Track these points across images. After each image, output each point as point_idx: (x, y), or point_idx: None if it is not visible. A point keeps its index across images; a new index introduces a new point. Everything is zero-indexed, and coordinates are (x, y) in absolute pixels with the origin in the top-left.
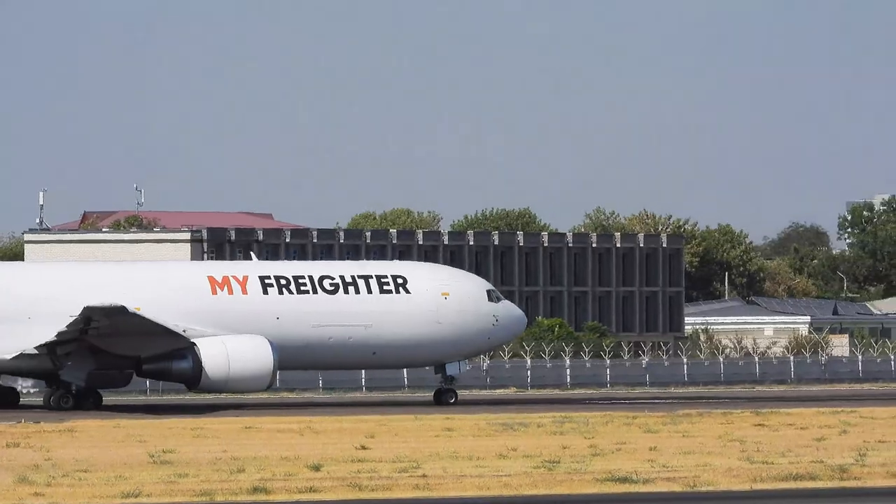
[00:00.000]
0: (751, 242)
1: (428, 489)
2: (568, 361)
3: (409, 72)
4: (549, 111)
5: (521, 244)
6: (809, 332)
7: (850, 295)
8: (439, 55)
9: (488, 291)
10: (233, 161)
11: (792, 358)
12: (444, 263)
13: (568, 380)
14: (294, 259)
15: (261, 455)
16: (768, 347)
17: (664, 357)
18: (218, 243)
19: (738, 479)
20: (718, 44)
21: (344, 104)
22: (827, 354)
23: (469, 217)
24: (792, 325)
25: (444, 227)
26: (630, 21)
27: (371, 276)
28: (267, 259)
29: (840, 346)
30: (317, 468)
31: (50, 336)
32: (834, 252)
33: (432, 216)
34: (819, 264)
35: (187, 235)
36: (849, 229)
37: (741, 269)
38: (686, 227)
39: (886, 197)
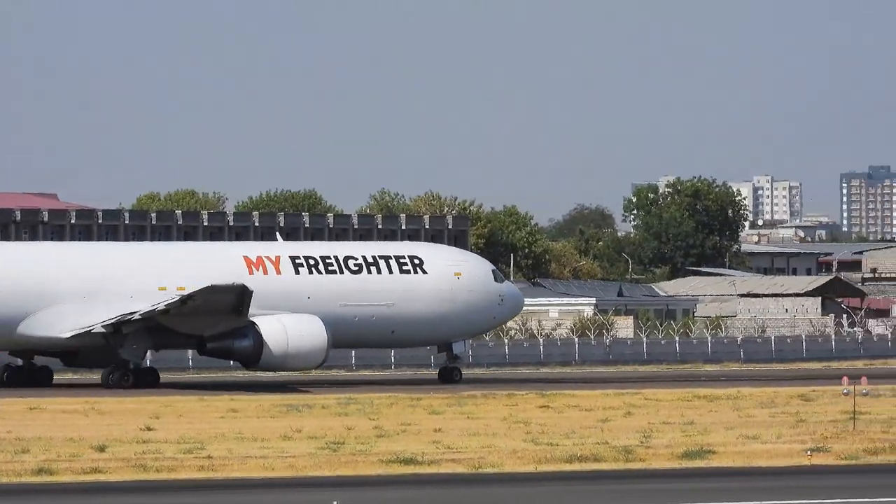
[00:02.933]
0: (536, 224)
1: (213, 470)
2: None
3: (185, 52)
4: (332, 92)
5: (307, 225)
6: (594, 313)
7: (635, 277)
8: (226, 36)
9: (493, 271)
10: (17, 141)
11: (577, 339)
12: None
13: (353, 361)
14: (80, 239)
15: (45, 436)
16: (553, 329)
17: None
18: (3, 224)
19: (523, 461)
20: (499, 30)
21: (128, 84)
22: (612, 336)
23: (254, 198)
24: (577, 307)
25: (230, 208)
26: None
27: (391, 257)
28: (53, 240)
29: (625, 327)
30: (101, 449)
31: (111, 315)
32: (619, 234)
33: (217, 197)
34: (604, 246)
35: None
36: (634, 211)
37: (527, 250)
38: (472, 208)
39: (671, 179)
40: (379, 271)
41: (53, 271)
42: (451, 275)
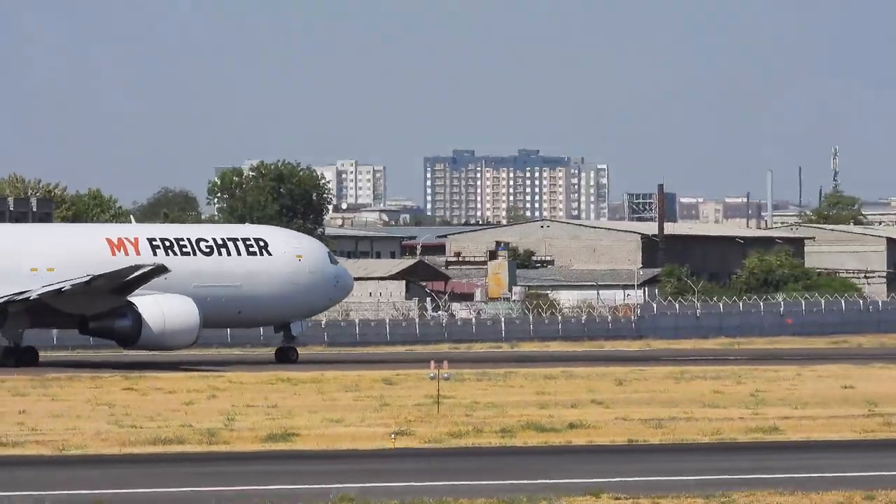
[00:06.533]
0: (121, 207)
1: None
2: None
3: None
4: None
5: None
6: None
7: None
8: None
9: (328, 254)
10: None
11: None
12: None
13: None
14: None
15: None
16: None
17: None
18: None
19: (108, 443)
20: (93, 18)
21: None
22: None
23: None
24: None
25: None
26: None
27: (238, 239)
28: None
29: None
30: None
31: None
32: (203, 217)
33: None
34: None
35: None
36: (218, 194)
37: None
38: (56, 191)
39: (255, 163)
40: (228, 253)
41: None
42: (293, 257)
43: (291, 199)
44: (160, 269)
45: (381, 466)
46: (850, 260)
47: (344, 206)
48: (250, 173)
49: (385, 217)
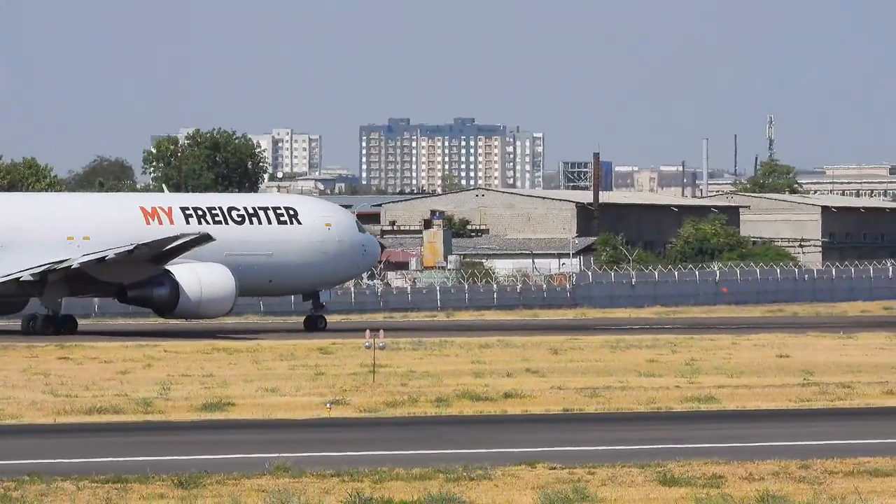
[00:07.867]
0: (56, 176)
1: None
2: None
3: None
4: None
5: None
6: None
7: None
8: None
9: (356, 223)
10: None
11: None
12: None
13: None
14: None
15: None
16: None
17: None
18: None
19: (43, 413)
20: None
21: None
22: None
23: None
24: None
25: None
26: None
27: (269, 208)
28: None
29: None
30: None
31: (32, 264)
32: (139, 186)
33: None
34: None
35: None
36: (154, 163)
37: None
38: None
39: (190, 131)
40: (259, 222)
41: None
42: (322, 226)
43: (227, 167)
44: (204, 238)
45: (317, 436)
46: (785, 229)
47: (279, 174)
48: (186, 141)
49: (320, 186)
